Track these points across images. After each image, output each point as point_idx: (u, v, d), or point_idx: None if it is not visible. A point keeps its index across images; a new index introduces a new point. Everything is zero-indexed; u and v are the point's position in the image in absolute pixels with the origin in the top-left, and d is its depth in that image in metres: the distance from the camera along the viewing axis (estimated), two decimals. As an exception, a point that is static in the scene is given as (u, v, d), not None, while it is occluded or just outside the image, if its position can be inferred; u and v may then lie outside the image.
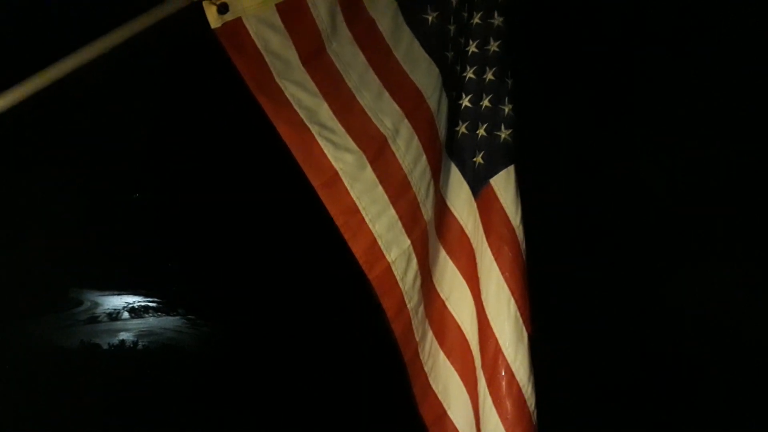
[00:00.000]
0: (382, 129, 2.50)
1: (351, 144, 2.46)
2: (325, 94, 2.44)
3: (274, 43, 2.38)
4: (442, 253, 2.70)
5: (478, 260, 2.67)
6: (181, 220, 13.92)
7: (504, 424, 2.59)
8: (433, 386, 2.73)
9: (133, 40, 2.26)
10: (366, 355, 7.53)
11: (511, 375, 2.59)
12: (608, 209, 10.14)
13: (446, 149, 2.66)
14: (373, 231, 2.50)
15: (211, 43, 2.37)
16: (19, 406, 7.08)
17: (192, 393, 8.29)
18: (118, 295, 13.68)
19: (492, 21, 2.61)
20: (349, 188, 2.46)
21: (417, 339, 2.66)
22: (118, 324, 12.28)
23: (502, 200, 2.63)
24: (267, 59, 2.37)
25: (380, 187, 2.50)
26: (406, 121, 2.53)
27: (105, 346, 10.71)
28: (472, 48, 2.63)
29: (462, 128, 2.67)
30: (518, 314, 2.61)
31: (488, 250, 2.63)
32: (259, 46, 2.36)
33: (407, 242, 2.56)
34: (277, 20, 2.38)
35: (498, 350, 2.60)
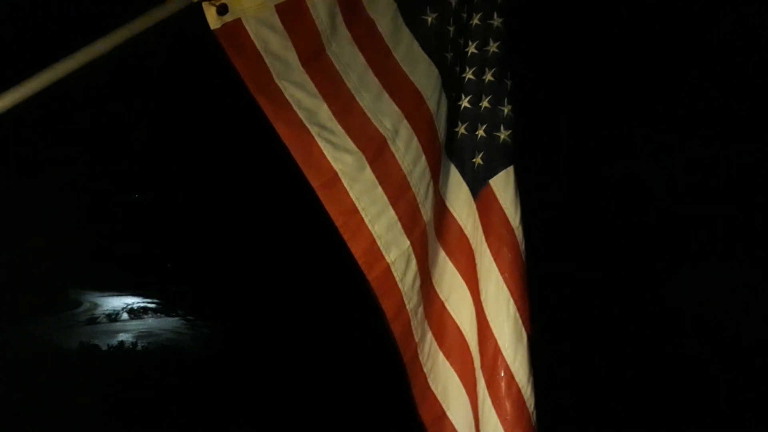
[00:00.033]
0: (381, 130, 2.50)
1: (350, 145, 2.46)
2: (325, 95, 2.44)
3: (273, 44, 2.38)
4: (442, 254, 2.71)
5: (477, 261, 2.67)
6: (181, 221, 13.91)
7: (503, 425, 2.59)
8: (433, 387, 2.73)
9: (133, 41, 2.26)
10: (365, 356, 7.53)
11: (510, 376, 2.60)
12: (608, 209, 10.14)
13: (446, 150, 2.66)
14: (373, 232, 2.51)
15: (211, 44, 2.37)
16: (18, 406, 7.08)
17: (191, 394, 8.29)
18: (118, 296, 13.65)
19: (491, 22, 2.62)
20: (348, 189, 2.46)
21: (416, 340, 2.67)
22: (117, 325, 12.26)
23: (501, 201, 2.63)
24: (266, 60, 2.38)
25: (380, 188, 2.51)
26: (405, 121, 2.54)
27: (104, 347, 10.70)
28: (472, 49, 2.64)
29: (461, 129, 2.67)
30: (517, 315, 2.61)
31: (487, 250, 2.63)
32: (258, 47, 2.37)
33: (407, 243, 2.57)
34: (277, 21, 2.38)
35: (497, 351, 2.61)
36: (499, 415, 2.60)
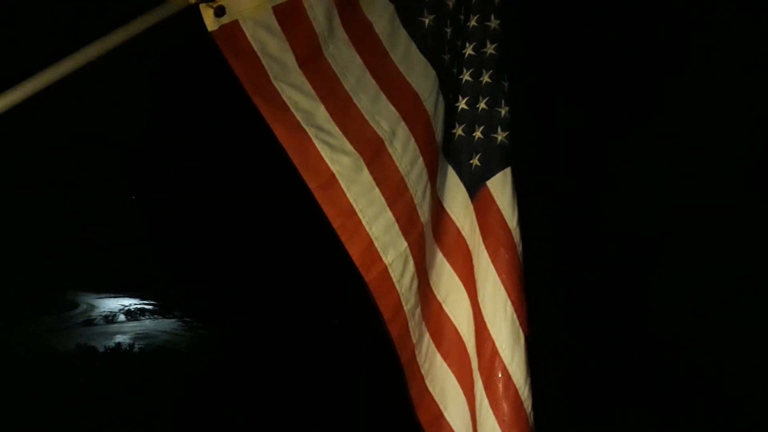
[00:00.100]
0: (378, 131, 2.50)
1: (348, 146, 2.46)
2: (322, 97, 2.43)
3: (270, 46, 2.38)
4: (439, 256, 2.71)
5: (474, 262, 2.68)
6: (178, 223, 13.93)
7: (501, 426, 2.60)
8: (430, 388, 2.73)
9: (131, 43, 2.26)
10: (363, 357, 7.54)
11: (508, 377, 2.60)
12: (606, 210, 10.15)
13: (443, 151, 2.66)
14: (370, 233, 2.50)
15: (209, 45, 2.37)
16: (14, 407, 7.07)
17: (189, 396, 8.28)
18: (114, 297, 13.65)
19: (488, 24, 2.62)
20: (345, 190, 2.46)
21: (414, 341, 2.66)
22: (114, 327, 12.26)
23: (498, 202, 2.63)
24: (264, 62, 2.37)
25: (377, 190, 2.50)
26: (403, 123, 2.53)
27: (101, 349, 10.70)
28: (469, 50, 2.64)
29: (459, 130, 2.68)
30: (515, 316, 2.61)
31: (485, 252, 2.63)
32: (255, 49, 2.36)
33: (404, 244, 2.56)
34: (274, 23, 2.38)
35: (495, 352, 2.61)
36: (497, 416, 2.60)
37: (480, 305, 2.65)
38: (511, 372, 2.60)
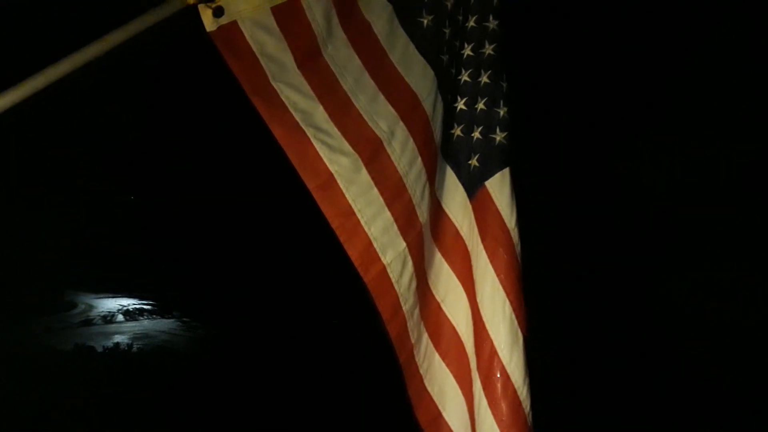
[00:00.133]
0: (377, 131, 2.50)
1: (346, 147, 2.46)
2: (321, 97, 2.43)
3: (269, 46, 2.37)
4: (438, 256, 2.71)
5: (473, 262, 2.68)
6: (176, 223, 13.95)
7: (499, 426, 2.59)
8: (429, 388, 2.73)
9: (130, 43, 2.26)
10: (361, 357, 7.54)
11: (506, 377, 2.60)
12: (607, 210, 10.15)
13: (441, 152, 2.66)
14: (369, 234, 2.50)
15: (207, 46, 2.37)
16: (13, 406, 7.08)
17: (187, 395, 8.29)
18: (113, 297, 13.68)
19: (487, 24, 2.62)
20: (344, 191, 2.46)
21: (412, 341, 2.66)
22: (113, 327, 12.28)
23: (497, 202, 2.63)
24: (262, 62, 2.37)
25: (375, 190, 2.50)
26: (401, 123, 2.53)
27: (99, 349, 10.72)
28: (467, 51, 2.64)
29: (457, 131, 2.68)
30: (513, 316, 2.61)
31: (483, 252, 2.63)
32: (254, 49, 2.36)
33: (402, 245, 2.56)
34: (273, 23, 2.37)
35: (493, 352, 2.61)
36: (495, 416, 2.60)
37: (478, 305, 2.64)
38: (510, 372, 2.59)
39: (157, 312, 12.93)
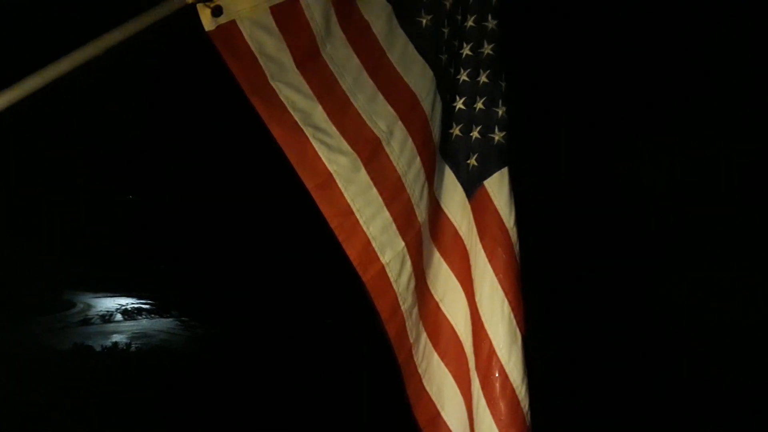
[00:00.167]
0: (376, 131, 2.50)
1: (345, 146, 2.46)
2: (320, 97, 2.43)
3: (268, 46, 2.37)
4: (436, 255, 2.71)
5: (472, 262, 2.68)
6: (175, 223, 13.96)
7: (498, 425, 2.59)
8: (427, 387, 2.73)
9: (128, 42, 2.26)
10: (360, 357, 7.54)
11: (504, 376, 2.60)
12: (606, 210, 10.15)
13: (440, 151, 2.66)
14: (368, 233, 2.50)
15: (206, 45, 2.37)
16: (11, 407, 7.08)
17: (185, 394, 8.29)
18: (111, 297, 13.67)
19: (486, 24, 2.62)
20: (343, 190, 2.46)
21: (411, 341, 2.66)
22: (111, 326, 12.27)
23: (496, 202, 2.63)
24: (261, 62, 2.37)
25: (374, 189, 2.50)
26: (400, 123, 2.53)
27: (98, 348, 10.71)
28: (466, 51, 2.64)
29: (456, 130, 2.68)
30: (512, 315, 2.61)
31: (482, 251, 2.63)
32: (253, 49, 2.36)
33: (401, 244, 2.56)
34: (271, 23, 2.37)
35: (492, 351, 2.61)
36: (494, 416, 2.60)
37: (477, 305, 2.65)
38: (508, 371, 2.59)
39: (155, 311, 12.92)
